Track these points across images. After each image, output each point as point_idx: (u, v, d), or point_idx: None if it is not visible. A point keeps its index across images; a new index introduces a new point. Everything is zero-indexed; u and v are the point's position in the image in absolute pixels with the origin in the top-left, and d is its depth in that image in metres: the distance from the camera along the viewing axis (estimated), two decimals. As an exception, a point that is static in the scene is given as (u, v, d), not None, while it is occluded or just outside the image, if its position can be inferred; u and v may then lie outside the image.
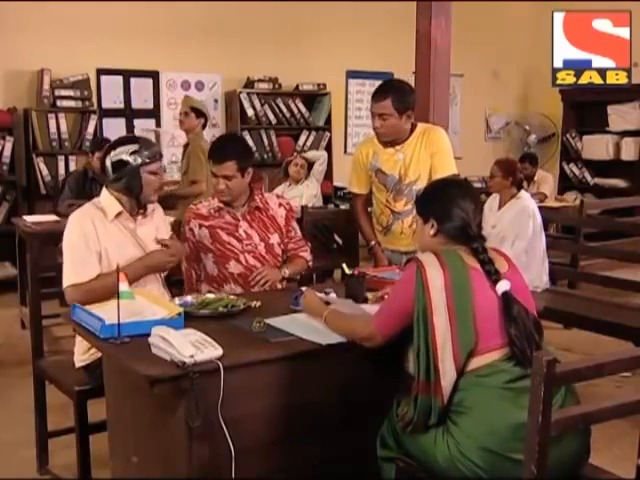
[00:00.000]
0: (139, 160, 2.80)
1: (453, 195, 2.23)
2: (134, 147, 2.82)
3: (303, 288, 2.61)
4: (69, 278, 2.72)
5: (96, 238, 2.76)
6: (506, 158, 5.50)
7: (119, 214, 2.83)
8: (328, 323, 2.36)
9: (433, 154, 3.43)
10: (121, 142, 2.88)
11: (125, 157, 2.81)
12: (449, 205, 2.20)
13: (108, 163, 2.83)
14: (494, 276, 2.07)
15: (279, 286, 3.15)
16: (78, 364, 2.86)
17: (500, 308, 2.04)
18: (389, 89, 3.40)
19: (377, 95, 3.39)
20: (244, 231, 3.15)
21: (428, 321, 2.03)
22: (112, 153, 2.83)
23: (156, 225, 2.98)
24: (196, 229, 3.15)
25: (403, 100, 3.36)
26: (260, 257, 3.15)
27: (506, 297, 2.04)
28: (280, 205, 3.27)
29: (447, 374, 2.00)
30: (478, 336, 2.01)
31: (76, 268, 2.72)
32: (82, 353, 2.84)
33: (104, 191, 2.88)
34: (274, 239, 3.20)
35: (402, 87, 3.45)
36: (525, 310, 2.06)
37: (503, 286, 2.05)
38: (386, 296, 2.54)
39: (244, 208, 3.18)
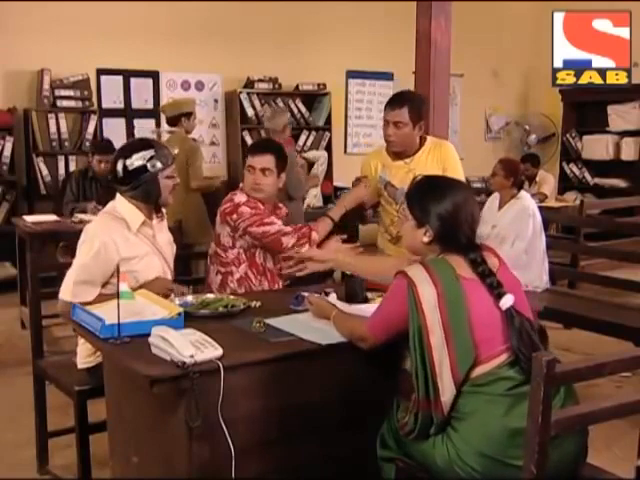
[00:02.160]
0: (158, 166, 2.74)
1: (453, 200, 2.11)
2: (150, 153, 2.74)
3: (304, 293, 2.60)
4: (66, 292, 2.67)
5: (115, 254, 2.66)
6: (511, 158, 5.49)
7: (142, 223, 2.78)
8: (334, 323, 2.36)
9: (445, 170, 3.39)
10: (135, 148, 2.78)
11: (143, 163, 2.73)
12: (448, 213, 2.10)
13: (121, 169, 2.74)
14: (496, 290, 2.02)
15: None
16: (81, 366, 2.85)
17: (499, 315, 2.01)
18: (406, 98, 3.39)
19: (394, 103, 3.37)
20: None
21: (424, 341, 2.00)
22: (127, 161, 2.73)
23: (167, 229, 2.99)
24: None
25: (418, 111, 3.37)
26: None
27: (508, 311, 2.01)
28: None
29: (446, 390, 1.98)
30: (477, 347, 1.98)
31: (76, 288, 2.65)
32: (86, 356, 2.83)
33: (121, 199, 2.79)
34: None
35: (418, 98, 3.48)
36: (528, 320, 2.02)
37: (507, 302, 2.01)
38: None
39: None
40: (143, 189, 2.75)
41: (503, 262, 2.15)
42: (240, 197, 3.21)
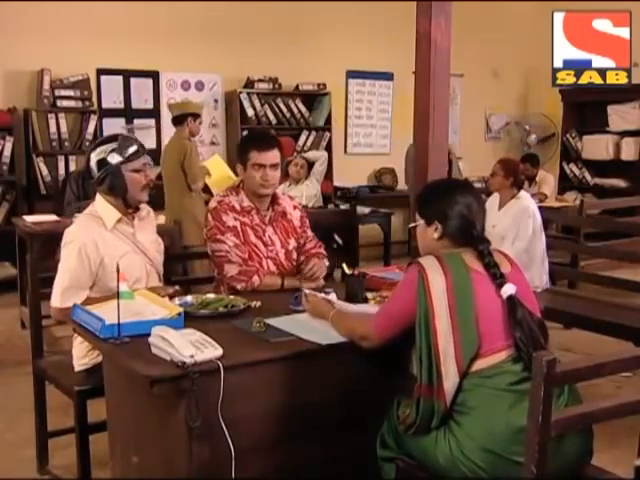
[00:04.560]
0: (118, 158, 2.74)
1: (457, 196, 2.19)
2: (113, 145, 2.76)
3: (306, 290, 2.60)
4: (56, 299, 2.70)
5: (95, 254, 2.70)
6: (510, 158, 5.49)
7: (118, 221, 2.79)
8: (333, 322, 2.36)
9: None
10: (101, 142, 2.83)
11: (104, 156, 2.75)
12: (454, 207, 2.17)
13: (92, 164, 2.77)
14: (499, 280, 2.06)
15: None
16: (78, 368, 2.85)
17: (504, 310, 2.03)
18: None
19: None
20: (269, 236, 3.08)
21: (430, 325, 2.02)
22: (92, 154, 2.78)
23: (154, 228, 2.97)
24: (233, 222, 3.02)
25: None
26: (280, 264, 3.09)
27: (511, 301, 2.03)
28: (295, 207, 3.22)
29: (450, 377, 1.99)
30: (481, 339, 2.00)
31: (64, 293, 2.69)
32: (81, 357, 2.83)
33: (98, 197, 2.82)
34: (292, 244, 3.14)
35: None
36: (530, 313, 2.05)
37: (508, 290, 2.04)
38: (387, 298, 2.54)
39: (269, 212, 3.11)
40: (108, 183, 2.76)
41: (516, 265, 2.19)
42: (218, 199, 3.07)
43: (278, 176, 3.06)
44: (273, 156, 3.03)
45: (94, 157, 2.77)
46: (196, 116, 5.57)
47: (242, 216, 3.05)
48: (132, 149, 2.77)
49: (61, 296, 2.69)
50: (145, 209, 2.93)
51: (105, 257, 2.71)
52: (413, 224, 2.31)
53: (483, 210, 2.24)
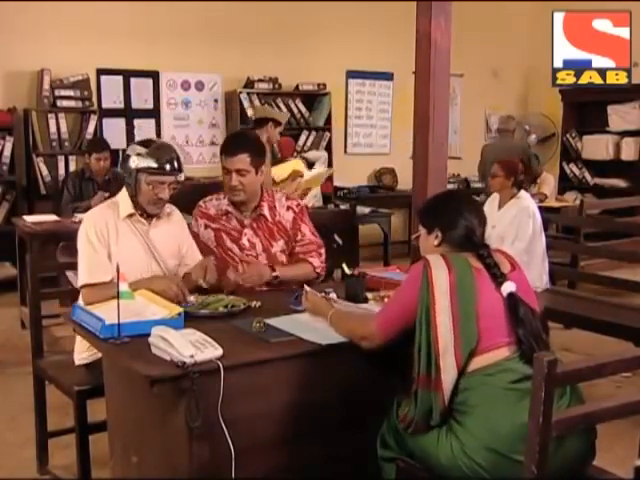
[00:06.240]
0: (136, 162, 2.73)
1: (457, 206, 2.28)
2: (143, 150, 2.74)
3: (307, 288, 2.60)
4: (83, 277, 2.70)
5: (107, 238, 2.73)
6: (509, 159, 5.48)
7: (131, 215, 2.79)
8: (332, 322, 2.36)
9: None
10: (140, 141, 2.84)
11: (130, 153, 2.77)
12: (454, 216, 2.24)
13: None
14: (499, 279, 2.09)
15: (264, 288, 2.98)
16: (78, 362, 2.87)
17: (506, 307, 2.05)
18: None
19: None
20: (248, 239, 3.05)
21: (431, 320, 2.04)
22: (128, 147, 2.84)
23: (175, 230, 2.90)
24: (201, 229, 3.06)
25: None
26: None
27: (512, 299, 2.06)
28: (288, 208, 3.12)
29: (448, 371, 2.00)
30: (480, 335, 2.01)
31: (90, 269, 2.69)
32: (83, 351, 2.84)
33: (124, 188, 2.84)
34: (278, 247, 3.08)
35: None
36: (531, 310, 2.07)
37: (508, 287, 2.07)
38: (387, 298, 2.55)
39: (251, 214, 3.06)
40: (126, 180, 2.79)
41: (517, 266, 2.22)
42: (199, 203, 3.08)
43: (249, 182, 2.96)
44: (237, 161, 2.95)
45: (127, 150, 2.82)
46: (277, 123, 5.55)
47: (215, 222, 3.05)
48: (153, 164, 2.72)
49: (88, 272, 2.68)
50: (168, 209, 2.90)
51: (112, 245, 2.73)
52: (415, 234, 2.39)
53: (483, 220, 2.29)
